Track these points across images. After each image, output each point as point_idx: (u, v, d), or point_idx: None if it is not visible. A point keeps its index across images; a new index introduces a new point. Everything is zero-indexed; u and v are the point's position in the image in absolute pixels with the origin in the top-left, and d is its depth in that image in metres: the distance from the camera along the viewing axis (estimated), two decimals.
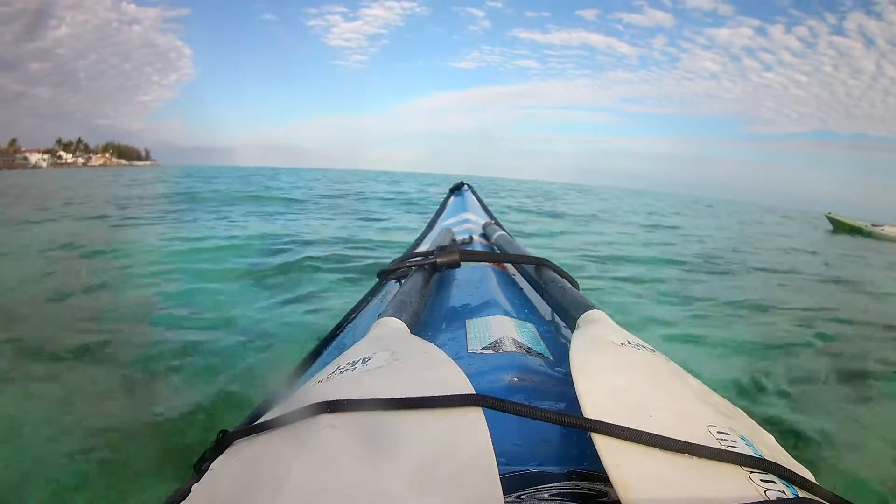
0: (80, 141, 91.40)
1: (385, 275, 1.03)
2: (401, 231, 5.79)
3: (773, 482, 0.33)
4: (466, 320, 0.77)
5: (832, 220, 11.79)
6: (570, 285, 0.83)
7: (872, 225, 10.65)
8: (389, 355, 0.49)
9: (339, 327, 0.99)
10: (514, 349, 0.64)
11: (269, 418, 0.42)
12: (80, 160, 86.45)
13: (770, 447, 0.42)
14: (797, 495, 0.33)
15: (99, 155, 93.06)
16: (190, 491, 0.36)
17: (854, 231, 10.79)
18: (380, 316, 0.68)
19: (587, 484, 0.37)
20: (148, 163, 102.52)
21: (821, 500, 0.34)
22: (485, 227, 1.63)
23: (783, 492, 0.33)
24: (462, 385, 0.41)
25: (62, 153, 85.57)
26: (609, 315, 0.66)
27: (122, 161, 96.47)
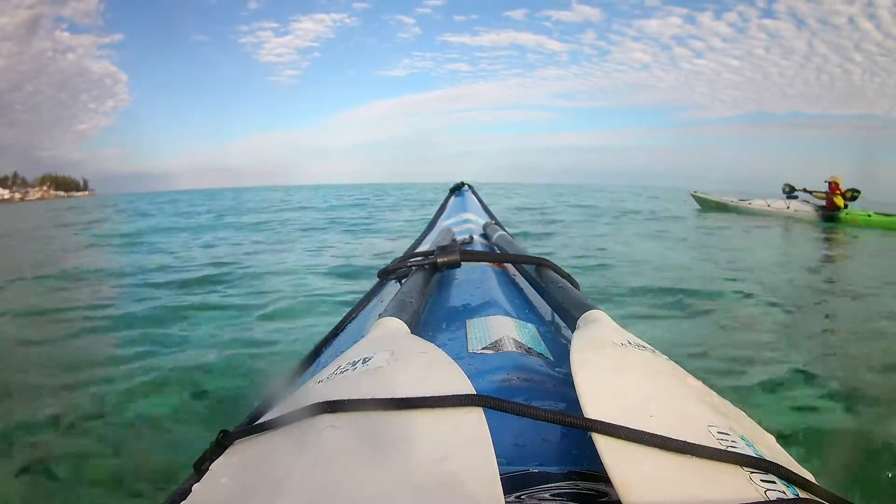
0: (16, 175, 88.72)
1: (385, 275, 1.04)
2: None
3: (773, 482, 0.33)
4: (467, 320, 0.77)
5: (697, 199, 11.47)
6: (570, 285, 0.84)
7: (739, 200, 10.47)
8: (390, 355, 0.49)
9: (339, 327, 0.99)
10: (514, 349, 0.65)
11: (269, 418, 0.42)
12: (18, 195, 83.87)
13: (770, 447, 0.42)
14: (797, 495, 0.33)
15: (36, 188, 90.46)
16: (190, 491, 0.37)
17: (720, 207, 10.62)
18: (380, 316, 0.68)
19: (587, 484, 0.37)
20: (86, 193, 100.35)
21: (821, 501, 0.34)
22: (485, 227, 1.63)
23: (783, 492, 0.33)
24: (462, 385, 0.41)
25: None
26: (609, 315, 0.65)
27: (61, 193, 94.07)
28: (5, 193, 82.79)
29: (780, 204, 10.01)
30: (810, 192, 9.71)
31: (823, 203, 9.38)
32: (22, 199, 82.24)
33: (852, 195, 9.25)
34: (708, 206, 11.31)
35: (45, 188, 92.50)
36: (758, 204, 10.28)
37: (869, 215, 8.81)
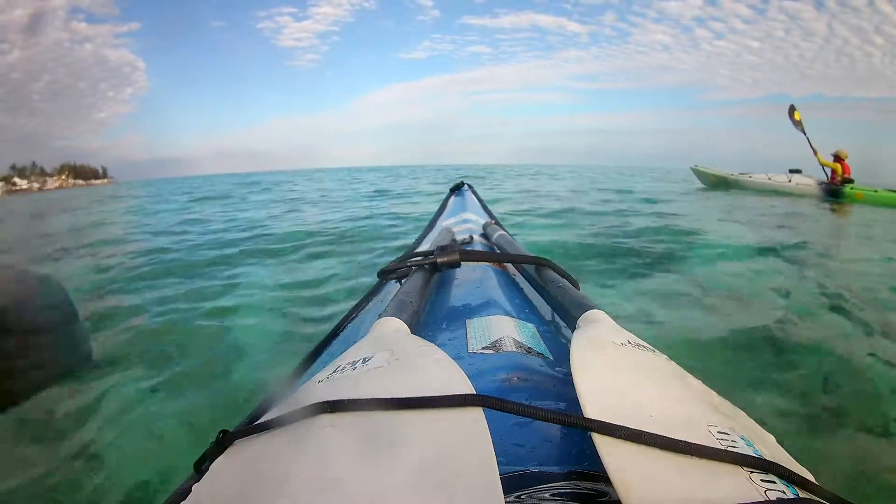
0: (34, 165, 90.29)
1: (385, 275, 1.04)
2: None
3: (773, 482, 0.34)
4: (467, 320, 0.77)
5: (697, 173, 11.04)
6: (570, 285, 0.84)
7: (740, 174, 10.07)
8: (389, 355, 0.49)
9: (339, 327, 0.99)
10: (514, 349, 0.65)
11: (269, 418, 0.42)
12: (36, 185, 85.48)
13: (770, 447, 0.42)
14: (797, 495, 0.33)
15: (55, 178, 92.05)
16: (190, 491, 0.37)
17: (721, 182, 10.28)
18: (380, 316, 0.68)
19: (587, 484, 0.37)
20: (105, 181, 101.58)
21: (821, 501, 0.34)
22: (485, 226, 1.63)
23: (783, 492, 0.33)
24: (462, 385, 0.41)
25: (17, 179, 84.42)
26: (610, 315, 0.66)
27: (79, 181, 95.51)
28: (23, 184, 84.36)
29: (781, 178, 9.52)
30: (817, 155, 9.02)
31: (826, 177, 8.91)
32: (40, 189, 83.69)
33: (844, 180, 8.74)
34: (709, 180, 10.84)
35: (63, 177, 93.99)
36: (759, 178, 9.83)
37: (875, 191, 8.20)
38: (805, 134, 9.02)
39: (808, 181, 9.05)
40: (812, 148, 8.97)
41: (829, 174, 8.76)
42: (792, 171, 9.35)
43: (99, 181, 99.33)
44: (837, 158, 8.67)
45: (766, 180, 9.59)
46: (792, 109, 9.34)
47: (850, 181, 8.53)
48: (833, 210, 7.48)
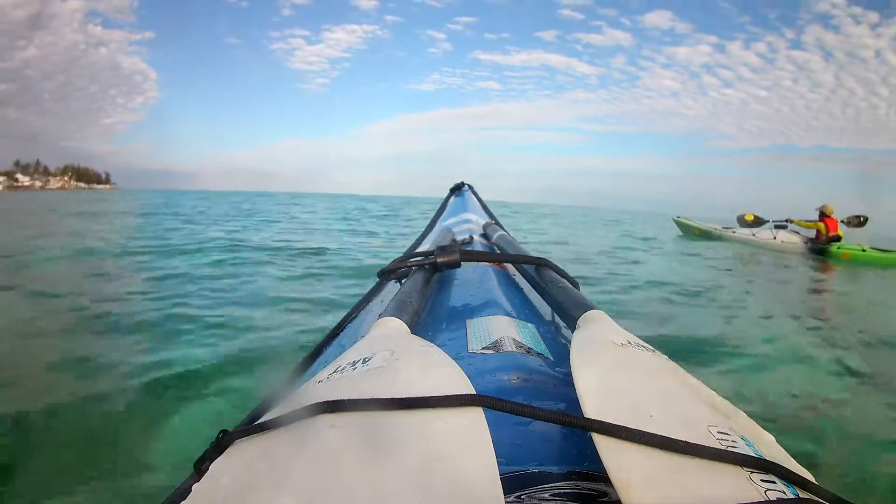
0: (38, 163, 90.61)
1: (385, 275, 1.04)
2: None
3: (773, 482, 0.34)
4: (467, 320, 0.77)
5: (680, 225, 10.94)
6: (570, 285, 0.84)
7: (723, 228, 9.89)
8: (389, 355, 0.49)
9: (339, 327, 0.99)
10: (514, 349, 0.65)
11: (268, 418, 0.42)
12: (38, 183, 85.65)
13: (770, 447, 0.42)
14: (797, 495, 0.33)
15: (57, 178, 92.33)
16: (190, 491, 0.37)
17: (704, 235, 10.13)
18: (380, 316, 0.68)
19: (588, 484, 0.37)
20: (108, 186, 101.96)
21: (821, 501, 0.34)
22: (485, 227, 1.63)
23: (783, 492, 0.33)
24: (462, 385, 0.41)
25: (19, 175, 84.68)
26: (609, 315, 0.65)
27: (81, 184, 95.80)
28: (25, 180, 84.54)
29: (766, 234, 9.18)
30: (794, 222, 8.89)
31: (812, 234, 8.52)
32: (42, 188, 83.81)
33: (859, 221, 8.51)
34: (691, 232, 10.67)
35: (66, 178, 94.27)
36: (742, 233, 9.57)
37: (863, 249, 7.93)
38: (774, 224, 8.98)
39: (794, 239, 8.78)
40: (789, 221, 8.89)
41: (815, 233, 8.41)
42: (777, 227, 9.04)
43: (101, 186, 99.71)
44: (822, 215, 8.35)
45: (750, 237, 9.32)
46: (741, 218, 9.47)
47: (838, 238, 8.23)
48: (816, 271, 7.17)
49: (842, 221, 8.47)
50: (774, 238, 8.97)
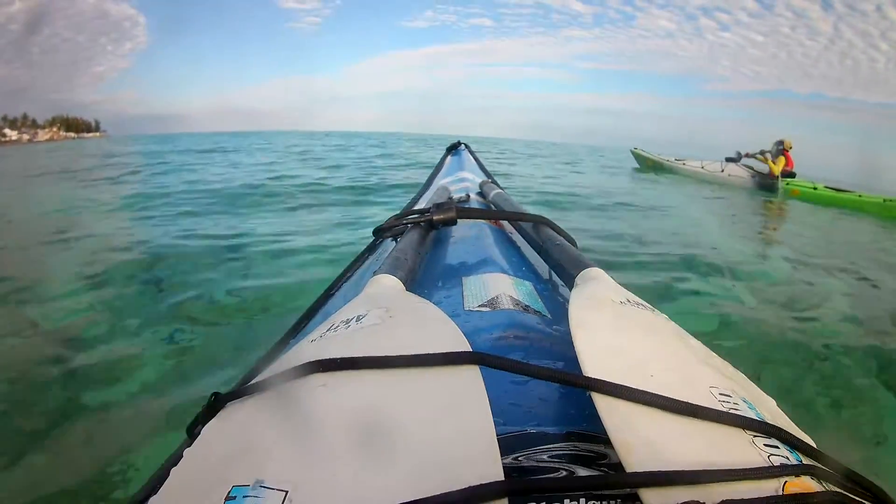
0: (25, 116, 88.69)
1: (380, 232, 1.03)
2: None
3: (776, 447, 0.33)
4: (463, 278, 0.76)
5: (636, 156, 10.87)
6: (567, 243, 0.83)
7: (675, 159, 9.72)
8: (384, 312, 0.48)
9: (334, 286, 0.98)
10: (511, 307, 0.64)
11: (260, 379, 0.41)
12: (26, 136, 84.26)
13: (772, 412, 0.41)
14: (800, 461, 0.32)
15: (46, 129, 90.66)
16: (182, 456, 0.36)
17: (656, 166, 10.01)
18: (374, 273, 0.66)
19: (587, 445, 0.37)
20: (97, 134, 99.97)
21: (825, 468, 0.33)
22: (482, 185, 1.61)
23: (787, 457, 0.32)
24: (459, 343, 0.41)
25: (7, 130, 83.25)
26: (608, 273, 0.65)
27: (71, 134, 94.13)
28: (13, 135, 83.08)
29: (714, 166, 8.88)
30: (754, 156, 8.36)
31: (766, 170, 8.09)
32: (30, 141, 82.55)
33: (785, 173, 7.93)
34: (645, 164, 10.60)
35: (54, 129, 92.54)
36: (692, 165, 9.33)
37: (815, 187, 7.44)
38: (753, 156, 8.35)
39: (741, 172, 8.45)
40: (762, 153, 8.22)
41: (768, 168, 8.01)
42: (728, 160, 8.70)
43: (91, 134, 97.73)
44: (781, 149, 7.94)
45: (699, 168, 9.09)
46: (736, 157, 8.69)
47: (792, 175, 7.86)
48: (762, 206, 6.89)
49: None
50: (722, 171, 8.70)
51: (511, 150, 18.29)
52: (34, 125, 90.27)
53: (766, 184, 8.02)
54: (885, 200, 6.49)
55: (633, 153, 11.15)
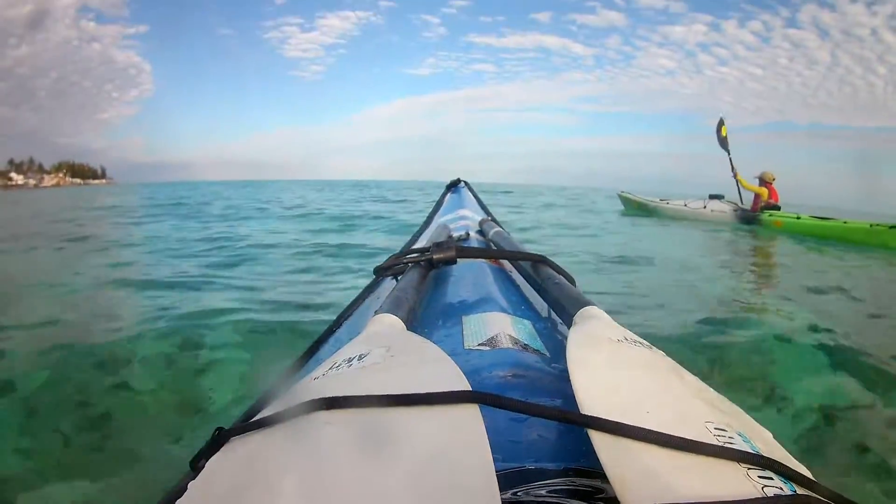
0: (31, 161, 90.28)
1: (381, 272, 1.04)
2: None
3: (770, 479, 0.33)
4: (463, 317, 0.77)
5: (623, 199, 11.01)
6: (566, 282, 0.83)
7: (660, 200, 9.88)
8: (385, 352, 0.49)
9: (336, 324, 0.98)
10: (510, 346, 0.64)
11: (264, 416, 0.41)
12: (32, 181, 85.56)
13: (768, 444, 0.42)
14: (795, 492, 0.33)
15: (52, 175, 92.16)
16: (186, 489, 0.36)
17: (642, 208, 10.07)
18: (376, 313, 0.67)
19: (584, 481, 0.37)
20: (104, 181, 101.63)
21: (819, 497, 0.33)
22: (481, 223, 1.62)
23: (781, 488, 0.33)
24: (458, 381, 0.41)
25: (13, 174, 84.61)
26: (606, 311, 0.65)
27: (77, 180, 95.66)
28: (19, 179, 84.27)
29: (697, 204, 8.93)
30: (738, 179, 8.37)
31: (751, 196, 8.15)
32: (36, 186, 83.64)
33: (768, 206, 7.93)
34: (631, 206, 10.69)
35: (61, 175, 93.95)
36: (675, 204, 9.39)
37: (798, 217, 7.33)
38: (729, 153, 8.38)
39: (724, 207, 8.48)
40: (733, 169, 8.31)
41: (753, 199, 8.04)
42: (712, 197, 8.74)
43: (97, 181, 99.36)
44: (763, 182, 7.94)
45: (682, 207, 9.15)
46: (720, 124, 8.66)
47: (776, 207, 7.75)
48: (735, 240, 6.85)
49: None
50: (705, 207, 8.72)
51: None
52: (40, 170, 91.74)
53: (748, 217, 7.99)
54: (871, 226, 6.36)
55: (619, 196, 11.26)
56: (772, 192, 7.96)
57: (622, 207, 11.04)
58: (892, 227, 6.08)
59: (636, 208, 10.42)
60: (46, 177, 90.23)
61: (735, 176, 8.35)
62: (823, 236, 6.72)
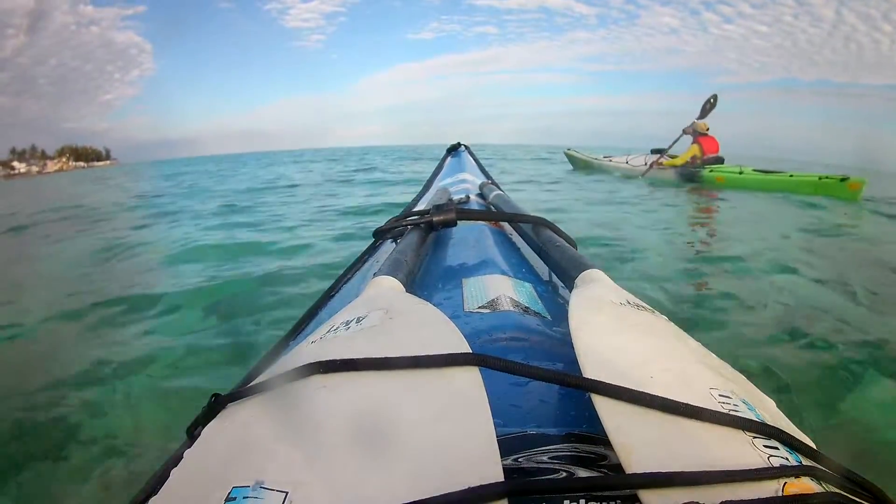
0: (33, 148, 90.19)
1: (380, 234, 1.03)
2: None
3: (776, 448, 0.33)
4: (463, 279, 0.76)
5: (569, 157, 10.67)
6: (567, 245, 0.82)
7: (603, 157, 9.53)
8: (384, 314, 0.48)
9: (334, 288, 0.97)
10: (511, 308, 0.63)
11: (260, 381, 0.41)
12: (35, 169, 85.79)
13: (771, 413, 0.41)
14: (800, 462, 0.32)
15: (55, 160, 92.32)
16: (182, 457, 0.36)
17: (587, 165, 9.81)
18: (374, 275, 0.66)
19: (586, 447, 0.37)
20: (108, 163, 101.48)
21: (824, 469, 0.33)
22: (482, 186, 1.60)
23: (786, 458, 0.32)
24: (458, 344, 0.41)
25: (15, 163, 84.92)
26: (608, 274, 0.64)
27: (80, 164, 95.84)
28: (22, 167, 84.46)
29: (638, 160, 8.43)
30: (660, 155, 7.87)
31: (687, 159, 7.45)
32: (39, 173, 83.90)
33: (711, 104, 7.47)
34: (577, 164, 10.38)
35: (63, 159, 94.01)
36: (618, 161, 9.00)
37: (740, 171, 6.78)
38: (692, 133, 7.47)
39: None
40: (667, 151, 7.78)
41: (691, 158, 7.34)
42: (654, 151, 8.07)
43: (102, 163, 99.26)
44: (695, 135, 7.28)
45: (623, 164, 8.67)
46: (713, 100, 7.63)
47: (719, 160, 7.19)
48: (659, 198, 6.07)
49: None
50: (645, 163, 8.15)
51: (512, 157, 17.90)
52: (43, 156, 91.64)
53: (687, 174, 7.37)
54: (820, 178, 6.04)
55: (566, 154, 10.87)
56: (707, 145, 7.30)
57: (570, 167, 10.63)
58: (842, 180, 5.79)
59: (581, 166, 10.09)
60: (49, 163, 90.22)
61: (667, 163, 7.76)
62: (769, 190, 6.31)
